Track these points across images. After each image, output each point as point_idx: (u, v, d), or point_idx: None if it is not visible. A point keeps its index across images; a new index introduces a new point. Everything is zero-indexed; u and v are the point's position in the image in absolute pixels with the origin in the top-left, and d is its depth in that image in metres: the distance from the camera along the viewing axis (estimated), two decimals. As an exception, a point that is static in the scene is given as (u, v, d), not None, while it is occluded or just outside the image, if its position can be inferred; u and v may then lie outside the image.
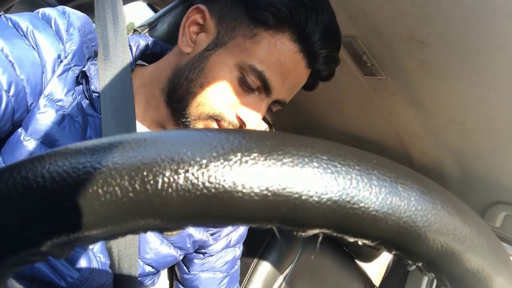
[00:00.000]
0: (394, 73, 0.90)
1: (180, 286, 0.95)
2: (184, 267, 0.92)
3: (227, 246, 0.91)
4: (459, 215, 0.17)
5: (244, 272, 1.26)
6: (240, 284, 1.24)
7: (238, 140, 0.16)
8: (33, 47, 0.57)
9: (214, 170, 0.15)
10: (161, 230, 0.16)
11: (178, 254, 0.81)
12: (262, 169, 0.15)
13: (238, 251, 0.96)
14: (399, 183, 0.17)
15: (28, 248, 0.15)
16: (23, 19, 0.57)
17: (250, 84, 0.62)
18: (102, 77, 0.63)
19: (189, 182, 0.15)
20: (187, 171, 0.15)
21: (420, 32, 0.73)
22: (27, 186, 0.15)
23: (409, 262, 0.18)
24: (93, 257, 0.66)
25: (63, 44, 0.59)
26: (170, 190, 0.15)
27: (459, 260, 0.17)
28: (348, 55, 0.95)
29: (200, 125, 0.65)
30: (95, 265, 0.65)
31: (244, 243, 0.98)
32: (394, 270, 1.48)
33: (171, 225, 0.15)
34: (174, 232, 0.16)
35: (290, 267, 1.34)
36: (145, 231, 0.16)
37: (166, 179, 0.15)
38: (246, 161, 0.15)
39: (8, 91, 0.53)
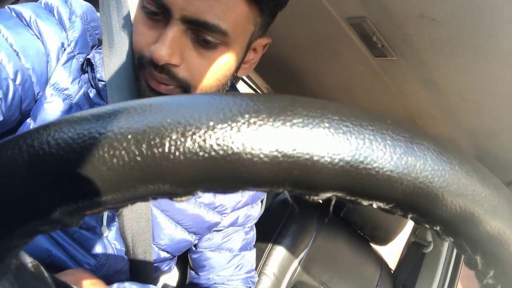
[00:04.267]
0: (406, 53, 0.88)
1: (193, 273, 0.93)
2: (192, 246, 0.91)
3: (234, 223, 0.88)
4: (478, 176, 0.17)
5: (259, 257, 1.27)
6: (256, 269, 1.25)
7: (246, 102, 0.15)
8: (37, 36, 0.57)
9: (222, 132, 0.15)
10: (170, 195, 0.16)
11: (193, 239, 0.81)
12: (271, 130, 0.15)
13: (250, 235, 0.93)
14: (415, 143, 0.16)
15: (38, 217, 0.15)
16: (26, 9, 0.57)
17: (150, 9, 0.54)
18: (107, 65, 0.62)
19: (196, 144, 0.14)
20: (194, 133, 0.14)
21: (431, 9, 0.71)
22: (33, 153, 0.15)
23: (427, 225, 0.17)
24: (108, 244, 0.67)
25: (66, 32, 0.59)
26: (177, 153, 0.14)
27: (478, 222, 0.17)
28: (358, 36, 0.93)
29: (141, 76, 0.58)
30: (110, 251, 0.66)
31: (258, 228, 0.96)
32: (410, 253, 1.47)
33: (180, 189, 0.15)
34: (183, 198, 0.16)
35: (304, 251, 1.34)
36: (155, 197, 0.16)
37: (173, 142, 0.14)
38: (255, 122, 0.15)
39: (14, 80, 0.53)
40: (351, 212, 1.52)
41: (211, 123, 0.15)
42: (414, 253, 1.43)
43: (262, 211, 1.44)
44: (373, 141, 0.15)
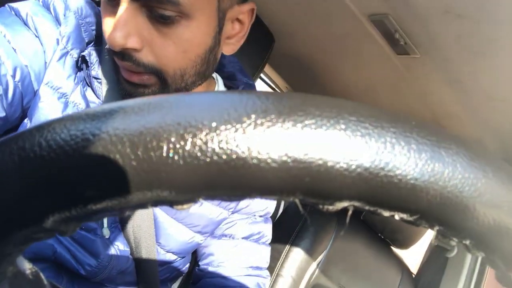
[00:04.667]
0: (429, 51, 0.85)
1: (196, 269, 0.87)
2: None
3: (235, 210, 0.82)
4: None
5: (276, 258, 1.25)
6: (273, 270, 1.23)
7: (253, 101, 0.14)
8: (34, 34, 0.56)
9: (226, 134, 0.13)
10: (170, 203, 0.14)
11: (199, 240, 0.77)
12: (280, 132, 0.13)
13: (257, 225, 0.86)
14: (442, 147, 0.14)
15: (29, 225, 0.14)
16: (23, 7, 0.57)
17: None
18: (104, 62, 0.60)
19: (197, 148, 0.13)
20: (194, 135, 0.13)
21: (457, 5, 0.68)
22: (24, 156, 0.14)
23: (455, 239, 0.15)
24: (111, 245, 0.65)
25: (60, 28, 0.58)
26: (176, 157, 0.13)
27: None
28: (380, 34, 0.91)
29: (118, 69, 0.56)
30: (113, 252, 0.65)
31: (276, 229, 0.92)
32: (432, 257, 1.43)
33: (180, 197, 0.14)
34: (184, 206, 0.14)
35: (323, 253, 1.31)
36: (154, 205, 0.14)
37: (171, 145, 0.13)
38: (262, 123, 0.13)
39: (14, 76, 0.53)
40: (371, 214, 1.49)
41: (214, 124, 0.13)
42: (437, 258, 1.39)
43: (281, 211, 1.43)
44: (395, 144, 0.14)
